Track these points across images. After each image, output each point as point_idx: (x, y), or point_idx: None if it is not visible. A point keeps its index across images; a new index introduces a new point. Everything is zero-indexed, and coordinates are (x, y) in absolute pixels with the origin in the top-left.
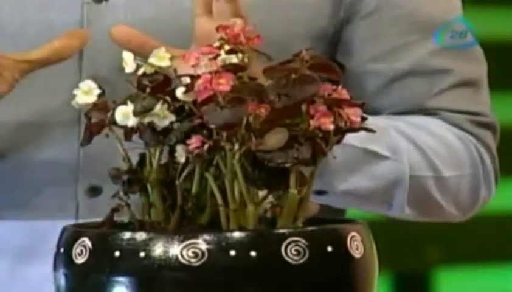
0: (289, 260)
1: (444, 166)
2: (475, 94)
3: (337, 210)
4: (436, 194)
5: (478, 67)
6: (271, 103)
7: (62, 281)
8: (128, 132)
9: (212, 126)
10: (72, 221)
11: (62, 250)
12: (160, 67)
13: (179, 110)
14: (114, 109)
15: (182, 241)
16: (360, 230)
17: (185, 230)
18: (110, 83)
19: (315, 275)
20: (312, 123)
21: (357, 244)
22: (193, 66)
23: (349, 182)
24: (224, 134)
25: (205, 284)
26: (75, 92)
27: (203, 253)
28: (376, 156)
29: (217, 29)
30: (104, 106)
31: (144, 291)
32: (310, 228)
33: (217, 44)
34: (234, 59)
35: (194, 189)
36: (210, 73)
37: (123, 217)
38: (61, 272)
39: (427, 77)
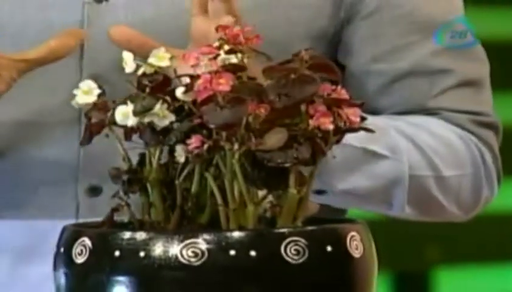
0: (289, 260)
1: (444, 166)
2: (477, 94)
3: (337, 209)
4: (437, 194)
5: (480, 67)
6: (271, 103)
7: (62, 280)
8: (128, 132)
9: (212, 126)
10: (72, 221)
11: (62, 249)
12: (159, 67)
13: (179, 110)
14: (113, 109)
15: (181, 241)
16: (360, 230)
17: (185, 229)
18: (111, 83)
19: (315, 275)
20: (312, 123)
21: (356, 244)
22: (192, 66)
23: (348, 182)
24: (224, 133)
25: (205, 284)
26: (75, 92)
27: (203, 252)
28: (375, 156)
29: (216, 29)
30: (104, 106)
31: (144, 290)
32: (309, 228)
33: (216, 44)
34: (233, 59)
35: (194, 189)
36: (210, 73)
37: (123, 217)
38: (61, 272)
39: (428, 77)
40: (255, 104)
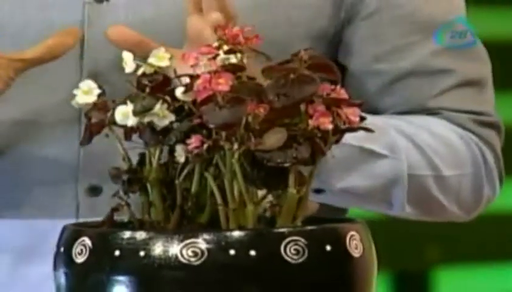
0: (288, 259)
1: (444, 165)
2: (479, 94)
3: (337, 209)
4: (437, 194)
5: (482, 67)
6: (270, 102)
7: (62, 280)
8: (128, 131)
9: (211, 126)
10: (73, 221)
11: (62, 249)
12: (159, 67)
13: (179, 110)
14: (113, 109)
15: (181, 241)
16: (359, 230)
17: (185, 229)
18: (111, 83)
19: (315, 275)
20: (311, 122)
21: (356, 244)
22: (192, 66)
23: (346, 181)
24: (223, 133)
25: (204, 283)
26: (75, 91)
27: (203, 252)
28: (374, 155)
29: (215, 29)
30: (104, 105)
31: (144, 290)
32: (309, 227)
33: (216, 44)
34: (233, 59)
35: (193, 188)
36: (209, 73)
37: (123, 216)
38: (61, 272)
39: (429, 77)
40: (254, 104)
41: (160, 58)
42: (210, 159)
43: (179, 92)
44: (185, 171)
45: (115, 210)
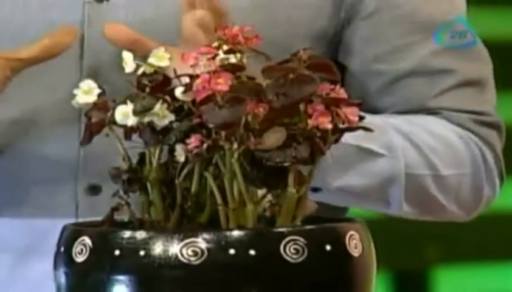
0: (288, 259)
1: (442, 165)
2: (479, 93)
3: (337, 208)
4: (435, 193)
5: (482, 67)
6: (269, 102)
7: (62, 279)
8: (128, 131)
9: (211, 126)
10: (72, 220)
11: (62, 249)
12: (159, 67)
13: (178, 109)
14: (113, 109)
15: (181, 240)
16: (359, 229)
17: (185, 229)
18: (111, 82)
19: (314, 274)
20: (310, 122)
21: (355, 243)
22: (192, 66)
23: (343, 179)
24: (223, 133)
25: (204, 282)
26: (75, 91)
27: (202, 251)
28: (371, 154)
29: (215, 29)
30: (104, 105)
31: (144, 289)
32: (309, 227)
33: (215, 43)
34: (232, 59)
35: (193, 188)
36: (209, 73)
37: (123, 216)
38: (61, 271)
39: (429, 77)
40: (253, 104)
41: (160, 58)
42: (210, 158)
43: (178, 92)
44: (185, 170)
45: (115, 209)
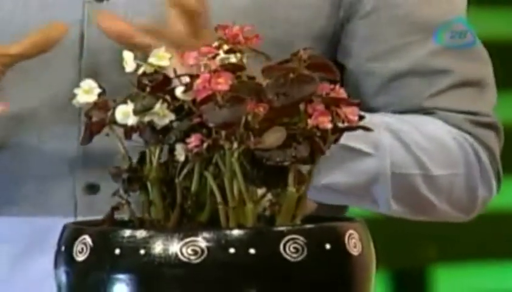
0: (288, 258)
1: (433, 165)
2: (477, 94)
3: (337, 208)
4: (426, 192)
5: (481, 67)
6: (269, 102)
7: (63, 278)
8: (128, 131)
9: (211, 125)
10: (71, 218)
11: (63, 248)
12: (159, 67)
13: (179, 109)
14: (114, 108)
15: (181, 239)
16: (358, 228)
17: (185, 228)
18: (110, 81)
19: (314, 273)
20: (310, 122)
21: (355, 242)
22: (192, 66)
23: (329, 177)
24: (223, 132)
25: (204, 281)
26: (76, 91)
27: (202, 250)
28: (357, 152)
29: (216, 29)
30: (104, 105)
31: (144, 288)
32: (308, 226)
33: (216, 43)
34: (232, 58)
35: (193, 187)
36: (209, 72)
37: (123, 215)
38: (62, 270)
39: (425, 77)
40: (254, 104)
41: (160, 58)
42: (210, 158)
43: (179, 91)
44: (185, 170)
45: (115, 208)
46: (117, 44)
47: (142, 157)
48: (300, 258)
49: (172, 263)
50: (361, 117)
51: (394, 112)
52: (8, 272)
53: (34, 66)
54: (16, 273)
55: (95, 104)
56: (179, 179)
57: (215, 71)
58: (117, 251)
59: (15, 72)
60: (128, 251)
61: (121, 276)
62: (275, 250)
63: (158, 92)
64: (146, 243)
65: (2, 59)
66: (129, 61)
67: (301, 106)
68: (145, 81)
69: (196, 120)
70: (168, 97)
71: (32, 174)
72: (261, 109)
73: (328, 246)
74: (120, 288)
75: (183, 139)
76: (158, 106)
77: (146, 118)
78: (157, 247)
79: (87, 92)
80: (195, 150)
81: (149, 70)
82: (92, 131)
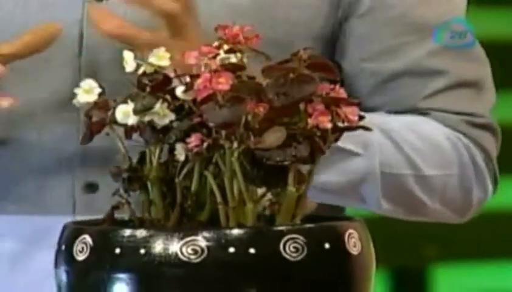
0: (288, 257)
1: (425, 165)
2: (473, 95)
3: (337, 207)
4: (418, 193)
5: (478, 68)
6: (270, 102)
7: (63, 278)
8: (128, 130)
9: (211, 125)
10: (69, 217)
11: (63, 247)
12: (159, 67)
13: (179, 109)
14: (114, 108)
15: (181, 238)
16: (358, 228)
17: (185, 227)
18: (109, 81)
19: (314, 272)
20: (310, 121)
21: (354, 241)
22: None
23: (318, 177)
24: (223, 132)
25: (204, 281)
26: (76, 91)
27: (202, 250)
28: (346, 152)
29: (215, 29)
30: (104, 105)
31: (144, 287)
32: (308, 225)
33: (216, 43)
34: (233, 58)
35: (193, 187)
36: (210, 72)
37: (123, 214)
38: (62, 269)
39: (421, 78)
40: (254, 103)
41: (160, 58)
42: (210, 157)
43: (179, 91)
44: (185, 169)
45: (115, 208)
46: (116, 43)
47: (142, 157)
48: (299, 258)
49: (173, 262)
50: (361, 117)
51: (389, 112)
52: (7, 271)
53: (33, 65)
54: (16, 272)
55: (96, 104)
56: (179, 179)
57: (216, 71)
58: (117, 250)
59: (15, 71)
60: (128, 250)
61: (121, 275)
62: (274, 249)
63: (158, 92)
64: (146, 242)
65: None
66: (129, 60)
67: (301, 106)
68: (145, 81)
69: (196, 119)
70: (168, 97)
71: (31, 172)
72: (261, 109)
73: (327, 246)
74: (120, 288)
75: (183, 138)
76: (158, 106)
77: (147, 118)
78: (157, 247)
79: (88, 92)
80: (195, 150)
81: (149, 70)
82: (92, 130)
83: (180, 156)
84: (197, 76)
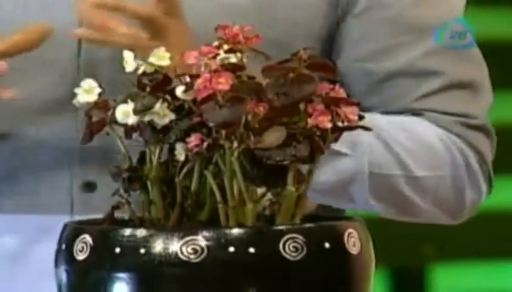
0: (287, 256)
1: (416, 166)
2: (468, 96)
3: (336, 207)
4: (410, 194)
5: (474, 69)
6: (269, 101)
7: (63, 277)
8: (128, 130)
9: (211, 125)
10: (68, 217)
11: (63, 246)
12: (159, 66)
13: (179, 108)
14: (114, 108)
15: (181, 238)
16: (357, 227)
17: (185, 227)
18: (108, 80)
19: (313, 271)
20: (310, 121)
21: (354, 241)
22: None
23: None
24: (223, 132)
25: (204, 280)
26: (76, 90)
27: (202, 249)
28: (333, 153)
29: (216, 29)
30: (104, 104)
31: (144, 287)
32: (308, 225)
33: (216, 43)
34: (233, 58)
35: (193, 186)
36: (210, 72)
37: (123, 214)
38: (62, 269)
39: (415, 78)
40: (254, 103)
41: (160, 58)
42: (210, 157)
43: (179, 91)
44: (185, 169)
45: (115, 207)
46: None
47: (142, 157)
48: (299, 257)
49: (172, 261)
50: (361, 117)
51: (384, 112)
52: (7, 268)
53: (33, 64)
54: (15, 270)
55: (96, 104)
56: (179, 178)
57: (216, 71)
58: (117, 250)
59: (14, 70)
60: (128, 250)
61: (121, 275)
62: (274, 249)
63: (158, 92)
64: (146, 241)
65: None
66: (129, 60)
67: (301, 106)
68: (145, 80)
69: (196, 119)
70: (168, 97)
71: (29, 170)
72: (261, 109)
73: (327, 245)
74: (120, 287)
75: (183, 138)
76: (158, 106)
77: (147, 118)
78: (157, 246)
79: (88, 92)
80: (195, 149)
81: (149, 69)
82: (92, 130)
83: (180, 156)
84: (197, 76)
